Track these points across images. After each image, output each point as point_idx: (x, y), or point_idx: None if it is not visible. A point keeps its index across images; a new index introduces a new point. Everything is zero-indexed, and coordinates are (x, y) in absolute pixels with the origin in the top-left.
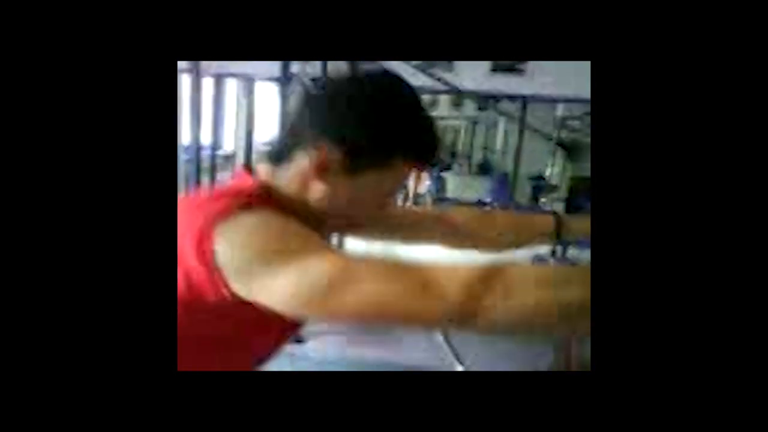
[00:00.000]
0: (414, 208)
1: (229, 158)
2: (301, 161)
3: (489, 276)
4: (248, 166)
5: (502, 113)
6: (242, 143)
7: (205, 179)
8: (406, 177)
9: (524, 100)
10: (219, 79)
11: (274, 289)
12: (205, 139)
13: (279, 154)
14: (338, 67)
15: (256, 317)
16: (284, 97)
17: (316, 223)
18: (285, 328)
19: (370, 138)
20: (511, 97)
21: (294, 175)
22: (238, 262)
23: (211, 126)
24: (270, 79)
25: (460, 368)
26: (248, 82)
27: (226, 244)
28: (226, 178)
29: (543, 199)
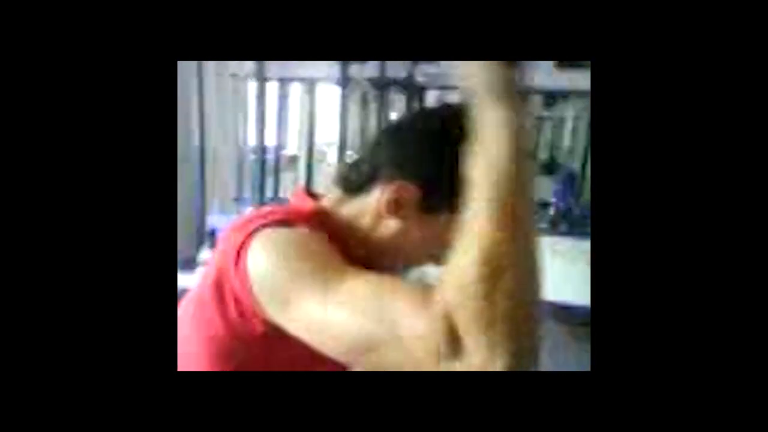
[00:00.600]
0: None
1: (293, 159)
2: (376, 195)
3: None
4: (309, 191)
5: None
6: (305, 145)
7: (269, 179)
8: None
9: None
10: (283, 82)
11: (301, 325)
12: (270, 140)
13: (355, 185)
14: (397, 70)
15: (297, 350)
16: (344, 100)
17: (372, 262)
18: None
19: (448, 177)
20: (579, 93)
21: (366, 208)
22: (267, 281)
23: (275, 128)
24: (330, 81)
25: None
26: (310, 84)
27: (256, 260)
28: (289, 192)
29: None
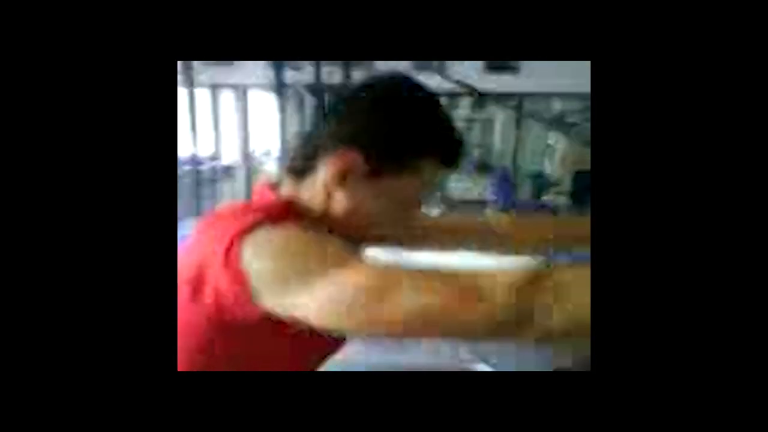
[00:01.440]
0: (448, 217)
1: (229, 169)
2: (323, 171)
3: (538, 278)
4: (270, 183)
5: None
6: (241, 153)
7: (205, 190)
8: (431, 180)
9: (520, 98)
10: (214, 89)
11: (310, 303)
12: (204, 150)
13: (300, 168)
14: (331, 75)
15: (291, 337)
16: (281, 106)
17: (343, 238)
18: (323, 348)
19: (388, 139)
20: (507, 95)
21: (317, 187)
22: (270, 277)
23: (210, 137)
24: (263, 87)
25: (483, 366)
26: (242, 91)
27: (256, 259)
28: (242, 200)
29: (545, 196)
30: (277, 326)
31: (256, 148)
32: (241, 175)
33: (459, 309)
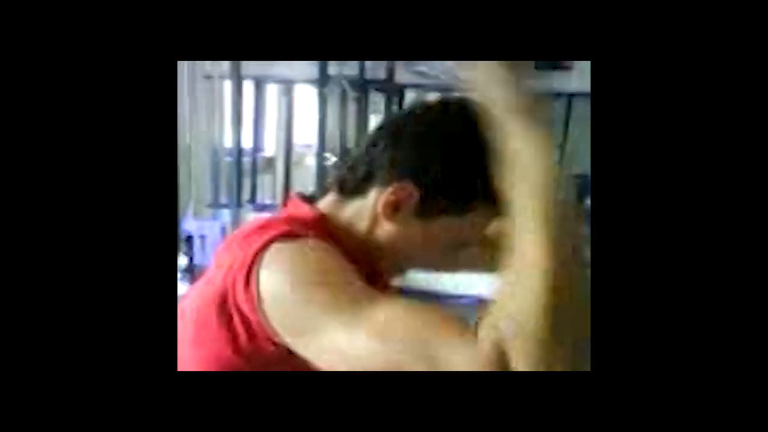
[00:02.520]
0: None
1: (270, 161)
2: (374, 198)
3: (493, 318)
4: (303, 195)
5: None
6: (282, 146)
7: (246, 182)
8: (484, 226)
9: (570, 98)
10: (259, 82)
11: (314, 353)
12: (247, 142)
13: (351, 187)
14: (375, 70)
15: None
16: (322, 99)
17: (371, 266)
18: None
19: (450, 181)
20: (557, 95)
21: (364, 211)
22: (280, 309)
23: (252, 129)
24: (308, 81)
25: None
26: (287, 85)
27: (270, 287)
28: (280, 209)
29: (588, 201)
30: (302, 361)
31: (297, 141)
32: (280, 167)
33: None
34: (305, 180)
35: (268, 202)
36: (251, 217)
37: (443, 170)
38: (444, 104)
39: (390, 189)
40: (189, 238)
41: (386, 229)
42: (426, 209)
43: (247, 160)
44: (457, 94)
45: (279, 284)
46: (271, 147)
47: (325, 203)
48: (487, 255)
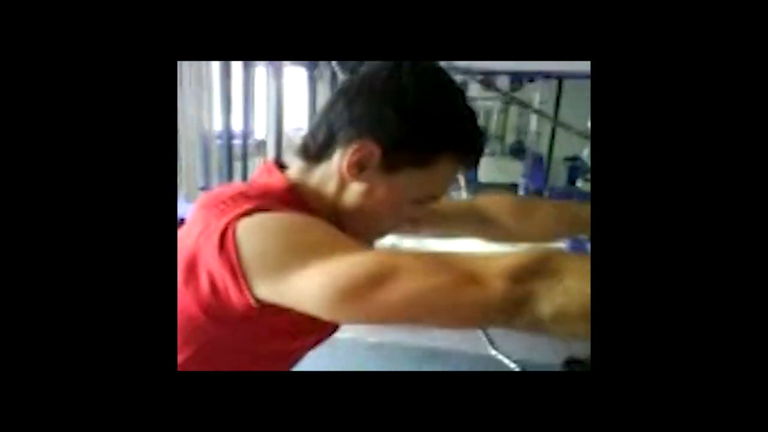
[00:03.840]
0: (445, 201)
1: (261, 144)
2: (338, 159)
3: (534, 263)
4: (279, 161)
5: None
6: (273, 129)
7: (237, 165)
8: (449, 178)
9: (560, 78)
10: (247, 65)
11: (305, 288)
12: (236, 125)
13: (314, 152)
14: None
15: (286, 326)
16: (312, 82)
17: (343, 229)
18: (319, 336)
19: (410, 133)
20: (547, 75)
21: (330, 174)
22: (262, 261)
23: (242, 113)
24: (296, 62)
25: (494, 353)
26: (276, 67)
27: (250, 244)
28: (255, 170)
29: (580, 182)
30: (272, 316)
31: (287, 123)
32: (271, 150)
33: (456, 295)
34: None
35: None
36: None
37: (401, 123)
38: (396, 64)
39: (351, 148)
40: (181, 221)
41: (354, 189)
42: (389, 163)
43: (237, 144)
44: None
45: (258, 240)
46: (261, 130)
47: (294, 171)
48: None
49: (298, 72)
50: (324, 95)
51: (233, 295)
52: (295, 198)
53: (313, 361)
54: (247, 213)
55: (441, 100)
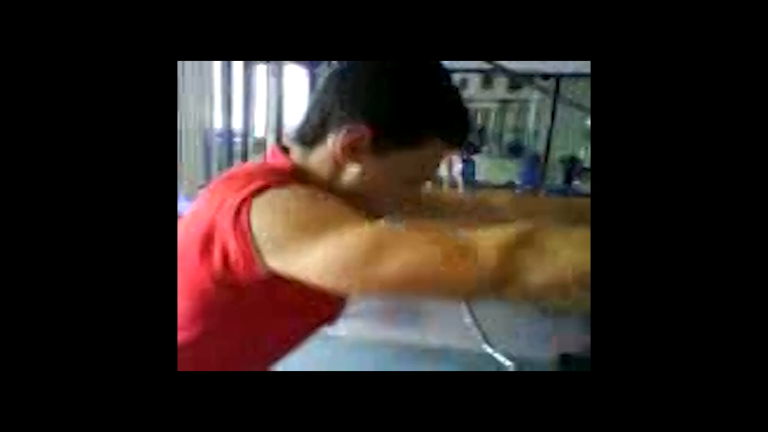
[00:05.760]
0: (448, 192)
1: (261, 143)
2: (331, 143)
3: (524, 235)
4: (283, 147)
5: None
6: (273, 128)
7: (237, 162)
8: (437, 159)
9: (558, 79)
10: (248, 64)
11: (309, 259)
12: (237, 123)
13: (309, 137)
14: None
15: (291, 298)
16: (313, 80)
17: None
18: (322, 312)
19: (399, 116)
20: (545, 76)
21: (325, 158)
22: (272, 234)
23: (242, 111)
24: (296, 61)
25: (489, 350)
26: (277, 65)
27: (261, 217)
28: (259, 158)
29: (577, 182)
30: (278, 288)
31: (287, 122)
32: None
33: (446, 268)
34: None
35: None
36: None
37: (392, 105)
38: None
39: (343, 132)
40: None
41: (349, 172)
42: (381, 145)
43: (238, 141)
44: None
45: (270, 215)
46: (261, 128)
47: (295, 155)
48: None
49: (298, 71)
50: None
51: (245, 267)
52: (298, 178)
53: (310, 356)
54: (260, 190)
55: (426, 84)
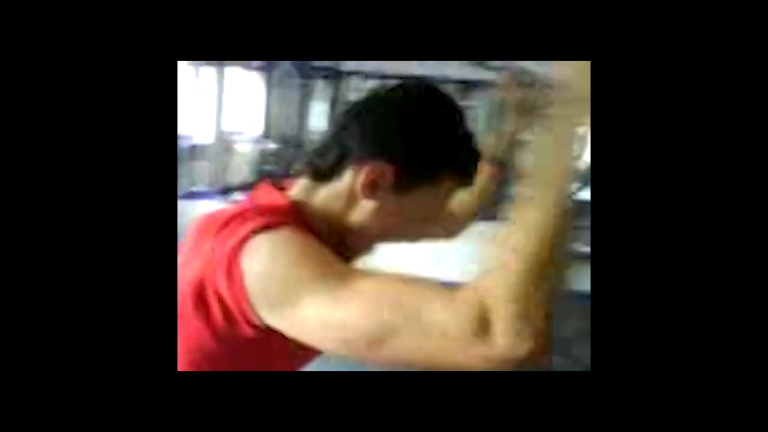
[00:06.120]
0: None
1: (201, 148)
2: (349, 178)
3: (477, 322)
4: (276, 183)
5: None
6: (214, 132)
7: (182, 169)
8: (449, 195)
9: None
10: (196, 66)
11: (308, 326)
12: (182, 129)
13: (323, 170)
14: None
15: (294, 347)
16: (268, 85)
17: (343, 246)
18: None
19: (420, 153)
20: (489, 84)
21: (339, 193)
22: (268, 292)
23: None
24: (257, 68)
25: None
26: (219, 68)
27: (256, 273)
28: (252, 192)
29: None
30: (279, 339)
31: (231, 127)
32: (212, 154)
33: (446, 360)
34: (240, 167)
35: (202, 189)
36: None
37: (413, 145)
38: (404, 87)
39: (366, 169)
40: None
41: (364, 206)
42: (402, 184)
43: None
44: (395, 82)
45: (264, 267)
46: (202, 134)
47: (297, 190)
48: (446, 225)
49: (239, 73)
50: (274, 99)
51: (243, 321)
52: (296, 215)
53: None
54: (249, 236)
55: (446, 119)
